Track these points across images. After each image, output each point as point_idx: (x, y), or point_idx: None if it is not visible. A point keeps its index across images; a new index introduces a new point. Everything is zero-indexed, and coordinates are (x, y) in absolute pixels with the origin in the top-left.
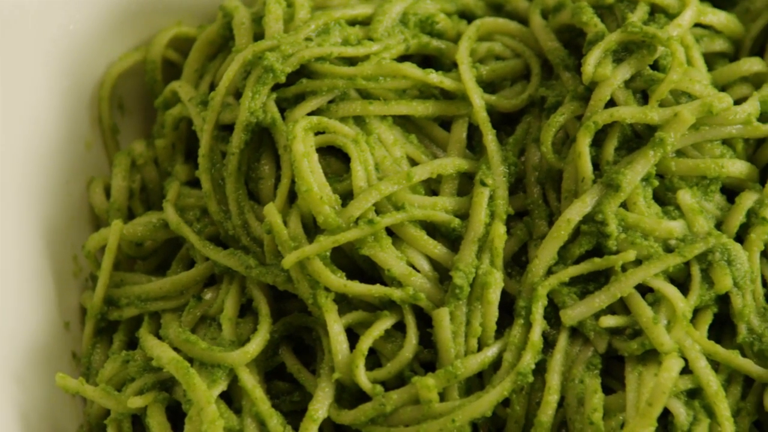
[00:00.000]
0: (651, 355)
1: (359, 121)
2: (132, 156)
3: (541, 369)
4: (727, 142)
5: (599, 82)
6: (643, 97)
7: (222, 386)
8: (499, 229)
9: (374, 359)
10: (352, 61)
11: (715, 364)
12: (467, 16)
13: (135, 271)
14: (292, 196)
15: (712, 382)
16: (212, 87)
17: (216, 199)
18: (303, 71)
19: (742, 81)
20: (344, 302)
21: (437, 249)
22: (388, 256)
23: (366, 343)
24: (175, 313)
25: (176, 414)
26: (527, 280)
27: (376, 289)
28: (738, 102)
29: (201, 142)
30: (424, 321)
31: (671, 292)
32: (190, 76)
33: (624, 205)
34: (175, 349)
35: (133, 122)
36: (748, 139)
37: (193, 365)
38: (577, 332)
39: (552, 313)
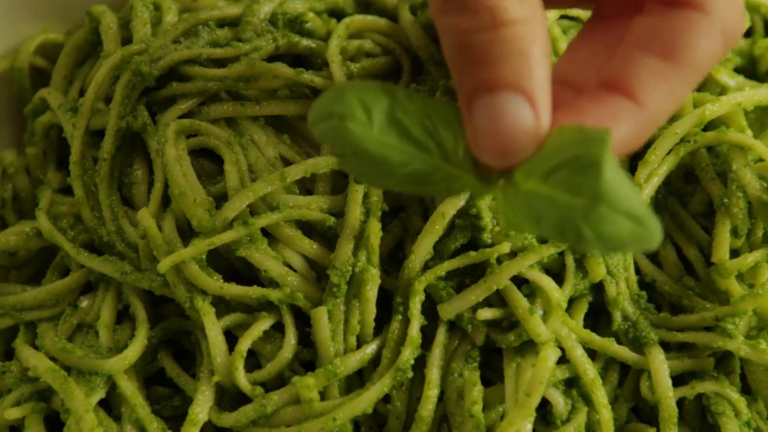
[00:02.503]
0: (528, 346)
1: (231, 122)
2: (2, 165)
3: (420, 364)
4: None
5: None
6: None
7: (100, 394)
8: (375, 226)
9: (254, 361)
10: (222, 63)
11: (592, 353)
12: (337, 14)
13: (9, 281)
14: (166, 200)
15: (589, 371)
16: (82, 93)
17: (89, 206)
18: (173, 74)
19: None
20: (222, 305)
21: (313, 248)
22: (265, 257)
23: (245, 344)
24: (51, 322)
25: (55, 424)
26: (404, 276)
27: (254, 291)
28: None
29: (72, 148)
30: (303, 321)
31: (546, 282)
32: (59, 82)
33: None
34: (52, 358)
35: (2, 131)
36: None
37: (71, 374)
38: (455, 326)
39: (430, 308)
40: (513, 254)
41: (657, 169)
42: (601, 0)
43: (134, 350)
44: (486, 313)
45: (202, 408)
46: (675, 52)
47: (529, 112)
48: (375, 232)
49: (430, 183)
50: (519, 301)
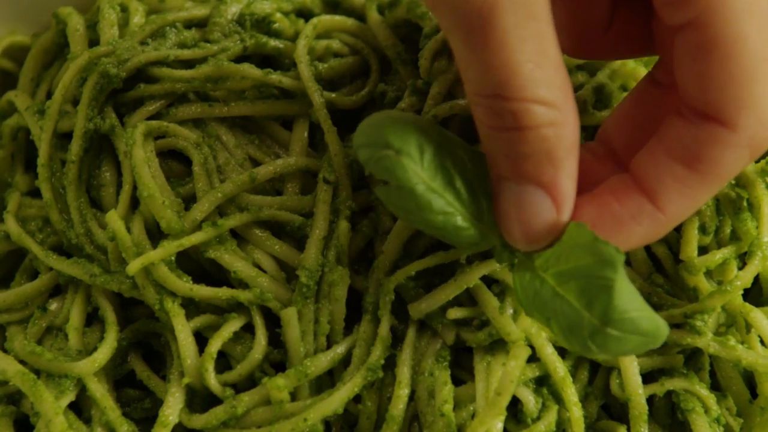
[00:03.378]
0: (499, 345)
1: (199, 123)
2: None
3: (391, 364)
4: None
5: (437, 75)
6: None
7: (70, 397)
8: (344, 226)
9: (224, 362)
10: (189, 64)
11: (562, 351)
12: (305, 15)
13: None
14: (135, 202)
15: (559, 369)
16: (49, 95)
17: (57, 209)
18: (140, 76)
19: (578, 69)
20: (192, 306)
21: (283, 249)
22: (234, 258)
23: (215, 345)
24: (21, 325)
25: (25, 427)
26: (374, 275)
27: (223, 292)
28: (574, 90)
29: (40, 151)
30: (273, 321)
31: None
32: (26, 85)
33: None
34: (22, 361)
35: None
36: (587, 127)
37: (40, 377)
38: (425, 325)
39: (400, 308)
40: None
41: None
42: (660, 63)
43: (104, 353)
44: (456, 313)
45: (172, 410)
46: (699, 163)
47: (550, 206)
48: (344, 232)
49: (461, 235)
50: (489, 299)
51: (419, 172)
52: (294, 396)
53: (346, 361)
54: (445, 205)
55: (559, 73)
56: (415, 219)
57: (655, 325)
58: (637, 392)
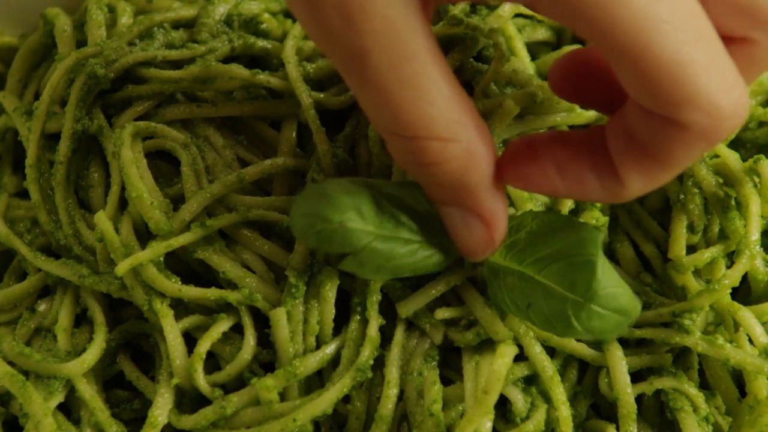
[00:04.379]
0: (487, 345)
1: (188, 124)
2: None
3: (380, 364)
4: (552, 130)
5: None
6: (469, 89)
7: (59, 398)
8: None
9: (213, 363)
10: (177, 65)
11: (551, 350)
12: (292, 15)
13: None
14: (123, 203)
15: (548, 368)
16: (37, 96)
17: (46, 209)
18: (128, 76)
19: None
20: (180, 307)
21: (272, 249)
22: (222, 259)
23: (204, 346)
24: (9, 327)
25: (14, 429)
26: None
27: (212, 292)
28: None
29: (28, 152)
30: (262, 322)
31: None
32: (13, 86)
33: None
34: (10, 363)
35: None
36: (573, 126)
37: (29, 378)
38: (413, 325)
39: (389, 308)
40: None
41: None
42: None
43: (93, 354)
44: (444, 313)
45: (161, 410)
46: (656, 152)
47: (479, 224)
48: None
49: (429, 263)
50: (477, 299)
51: (367, 229)
52: (283, 396)
53: (335, 361)
54: (404, 244)
55: (455, 106)
56: (388, 270)
57: (632, 302)
58: (625, 391)
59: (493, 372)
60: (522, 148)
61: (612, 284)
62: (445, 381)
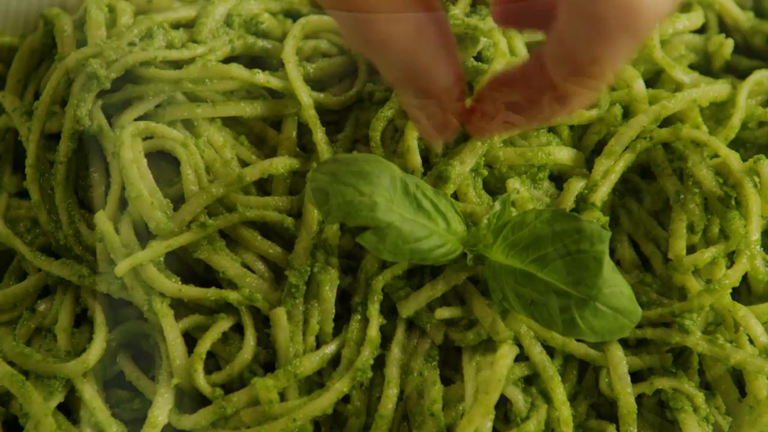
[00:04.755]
0: (488, 345)
1: (188, 124)
2: None
3: (380, 364)
4: (552, 130)
5: None
6: (469, 89)
7: (59, 398)
8: (333, 226)
9: (213, 363)
10: (177, 65)
11: (551, 350)
12: (292, 15)
13: None
14: (123, 203)
15: (548, 368)
16: (37, 96)
17: (46, 209)
18: (128, 77)
19: None
20: (180, 307)
21: (272, 249)
22: (223, 259)
23: (204, 346)
24: (9, 327)
25: (14, 428)
26: (362, 275)
27: (212, 292)
28: None
29: (28, 152)
30: (263, 322)
31: None
32: (13, 86)
33: (455, 196)
34: (10, 362)
35: None
36: (574, 126)
37: (29, 378)
38: (413, 325)
39: (389, 308)
40: None
41: (614, 166)
42: None
43: (93, 354)
44: (444, 312)
45: (161, 411)
46: (585, 54)
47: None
48: (333, 232)
49: (437, 253)
50: (477, 299)
51: (394, 207)
52: (283, 396)
53: (335, 361)
54: (422, 229)
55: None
56: (403, 252)
57: (634, 304)
58: (626, 391)
59: (494, 372)
60: (475, 102)
61: (617, 284)
62: (446, 381)
